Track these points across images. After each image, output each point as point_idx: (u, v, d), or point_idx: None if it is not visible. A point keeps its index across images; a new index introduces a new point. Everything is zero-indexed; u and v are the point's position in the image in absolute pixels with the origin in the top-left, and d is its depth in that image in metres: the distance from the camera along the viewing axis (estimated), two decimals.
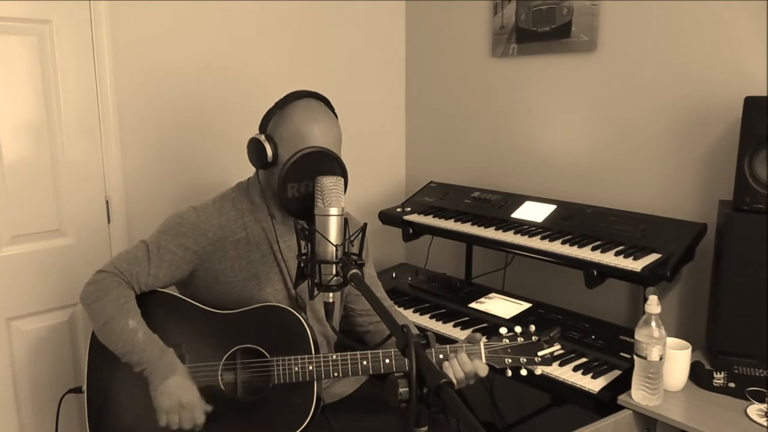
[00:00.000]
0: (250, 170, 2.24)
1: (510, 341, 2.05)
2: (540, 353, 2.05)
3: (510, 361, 2.04)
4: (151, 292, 2.15)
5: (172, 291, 2.22)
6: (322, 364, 2.03)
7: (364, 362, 2.04)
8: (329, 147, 2.01)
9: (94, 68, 2.79)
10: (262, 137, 2.07)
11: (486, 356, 2.03)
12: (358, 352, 2.04)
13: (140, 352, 1.99)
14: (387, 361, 2.03)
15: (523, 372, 2.05)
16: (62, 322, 2.84)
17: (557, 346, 2.07)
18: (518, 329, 2.07)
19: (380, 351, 2.04)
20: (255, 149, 2.08)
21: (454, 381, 1.97)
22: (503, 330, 2.08)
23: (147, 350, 1.99)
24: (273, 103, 2.13)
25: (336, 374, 2.03)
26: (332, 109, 2.17)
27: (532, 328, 2.07)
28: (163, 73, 2.99)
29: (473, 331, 2.17)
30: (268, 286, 2.20)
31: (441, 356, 2.03)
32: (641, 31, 2.83)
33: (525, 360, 2.04)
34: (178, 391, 1.97)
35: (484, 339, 2.07)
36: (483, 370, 2.00)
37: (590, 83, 3.04)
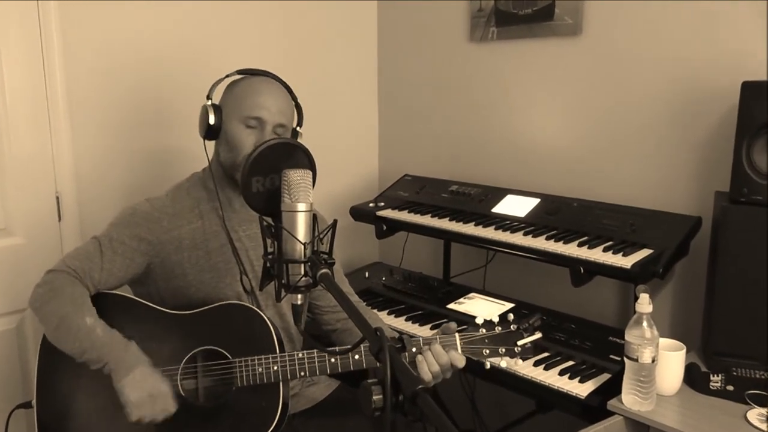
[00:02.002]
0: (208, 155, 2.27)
1: (487, 330, 2.04)
2: (519, 342, 2.04)
3: (488, 351, 2.03)
4: (104, 294, 2.12)
5: (127, 293, 2.19)
6: (287, 363, 2.02)
7: (332, 360, 2.03)
8: (276, 118, 2.15)
9: (42, 55, 2.73)
10: (209, 103, 2.17)
11: (462, 347, 2.02)
12: (325, 350, 2.03)
13: (100, 348, 1.97)
14: (356, 357, 2.02)
15: (503, 364, 2.04)
16: (9, 329, 2.78)
17: (538, 335, 2.05)
18: (496, 318, 2.05)
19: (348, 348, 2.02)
20: (200, 117, 2.20)
21: (429, 376, 1.96)
22: (480, 320, 2.06)
23: (107, 344, 1.97)
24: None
25: (303, 373, 2.02)
26: (289, 89, 2.26)
27: (511, 317, 2.06)
28: (117, 59, 2.94)
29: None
30: (228, 276, 2.21)
31: (414, 350, 2.01)
32: (629, 12, 2.81)
33: (504, 350, 2.03)
34: (147, 382, 1.96)
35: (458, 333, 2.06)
36: (460, 361, 1.98)
37: (575, 69, 3.02)
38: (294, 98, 2.26)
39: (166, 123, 3.09)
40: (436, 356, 1.97)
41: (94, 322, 2.00)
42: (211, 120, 2.16)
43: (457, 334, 2.03)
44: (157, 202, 2.22)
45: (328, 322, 2.42)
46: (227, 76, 2.22)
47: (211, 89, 2.20)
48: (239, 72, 2.23)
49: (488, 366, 2.04)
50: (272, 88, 2.19)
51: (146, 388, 1.95)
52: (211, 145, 2.25)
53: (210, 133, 2.18)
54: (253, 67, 2.25)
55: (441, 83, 3.59)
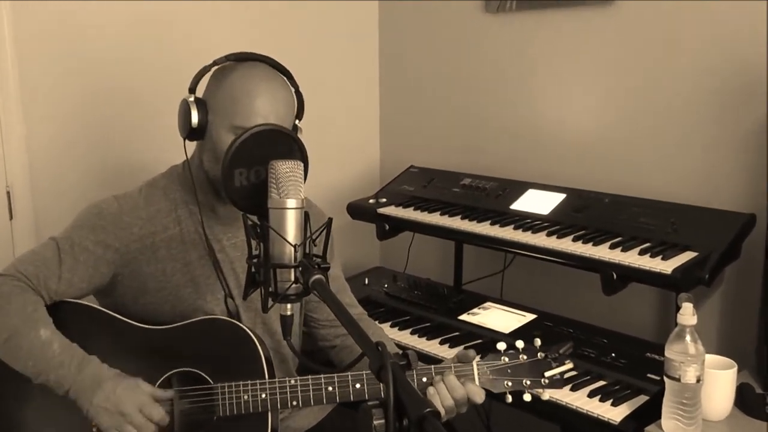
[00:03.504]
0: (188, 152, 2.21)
1: (510, 359, 2.03)
2: (547, 374, 2.03)
3: (510, 383, 2.02)
4: (63, 303, 2.11)
5: (91, 303, 2.17)
6: (277, 390, 2.00)
7: (330, 388, 2.01)
8: (273, 122, 2.00)
9: None
10: (191, 99, 2.07)
11: (480, 378, 2.01)
12: (321, 376, 2.01)
13: (57, 368, 1.95)
14: (357, 386, 2.01)
15: (527, 397, 2.03)
16: None
17: (569, 365, 2.04)
18: (520, 344, 2.04)
19: (349, 374, 2.01)
20: (181, 113, 2.09)
21: (442, 410, 1.95)
22: (501, 346, 2.05)
23: (66, 364, 1.95)
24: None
25: (295, 403, 2.01)
26: (288, 75, 2.17)
27: (538, 343, 2.05)
28: (77, 40, 2.94)
29: (464, 349, 2.14)
30: (208, 293, 2.19)
31: (425, 379, 2.01)
32: None
33: (529, 382, 2.03)
34: (113, 402, 1.93)
35: (477, 357, 2.04)
36: (479, 395, 1.97)
37: (607, 43, 3.01)
38: (295, 86, 2.17)
39: (136, 111, 3.10)
40: (450, 389, 1.95)
41: (51, 336, 1.98)
42: (194, 121, 2.04)
43: (475, 363, 2.02)
44: (127, 203, 2.16)
45: (326, 337, 2.41)
46: (214, 62, 2.11)
47: (195, 80, 2.10)
48: (228, 58, 2.12)
49: (510, 400, 2.03)
50: (270, 86, 2.08)
51: (115, 409, 1.92)
52: (191, 142, 2.18)
53: (193, 134, 2.08)
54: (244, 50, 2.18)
55: (452, 61, 3.59)
